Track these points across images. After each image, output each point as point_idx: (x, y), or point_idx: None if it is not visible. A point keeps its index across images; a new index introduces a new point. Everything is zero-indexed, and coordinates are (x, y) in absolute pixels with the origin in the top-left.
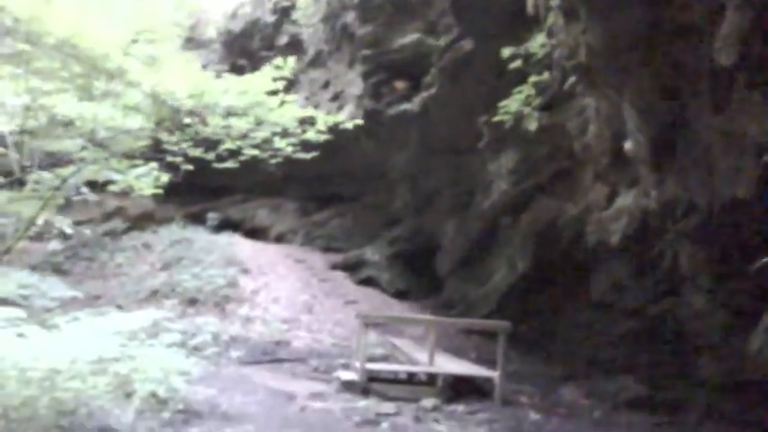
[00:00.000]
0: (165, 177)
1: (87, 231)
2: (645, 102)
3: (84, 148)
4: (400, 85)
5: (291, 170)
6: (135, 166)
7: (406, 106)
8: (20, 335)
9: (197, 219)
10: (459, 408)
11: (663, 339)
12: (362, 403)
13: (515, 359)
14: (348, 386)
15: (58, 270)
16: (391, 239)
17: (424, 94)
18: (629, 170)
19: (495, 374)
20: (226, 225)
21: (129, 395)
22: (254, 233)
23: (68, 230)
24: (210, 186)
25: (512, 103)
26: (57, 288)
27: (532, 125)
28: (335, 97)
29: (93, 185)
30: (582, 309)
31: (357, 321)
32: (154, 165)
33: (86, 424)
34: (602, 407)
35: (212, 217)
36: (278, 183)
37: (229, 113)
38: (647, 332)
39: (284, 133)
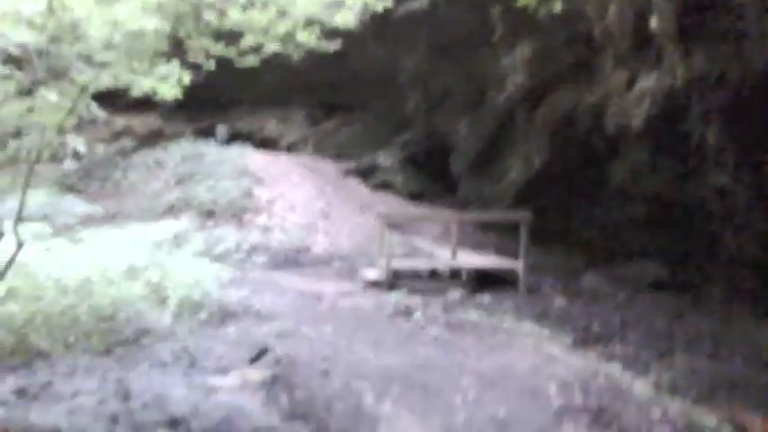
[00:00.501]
0: (187, 77)
1: (101, 149)
2: None
3: (106, 48)
4: None
5: (298, 79)
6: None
7: (414, 4)
8: (48, 249)
9: (206, 133)
10: (485, 298)
11: (683, 222)
12: (391, 298)
13: (534, 252)
14: (374, 284)
15: (73, 190)
16: (403, 143)
17: None
18: (650, 52)
19: (518, 265)
20: (235, 138)
21: (163, 300)
22: (265, 144)
23: (82, 149)
24: (218, 100)
25: None
26: (76, 205)
27: (557, 6)
28: None
29: (102, 99)
30: (600, 199)
31: (378, 221)
32: (175, 64)
33: (126, 328)
34: (625, 290)
35: (222, 130)
36: (285, 93)
37: (251, 3)
38: (667, 217)
39: (308, 22)
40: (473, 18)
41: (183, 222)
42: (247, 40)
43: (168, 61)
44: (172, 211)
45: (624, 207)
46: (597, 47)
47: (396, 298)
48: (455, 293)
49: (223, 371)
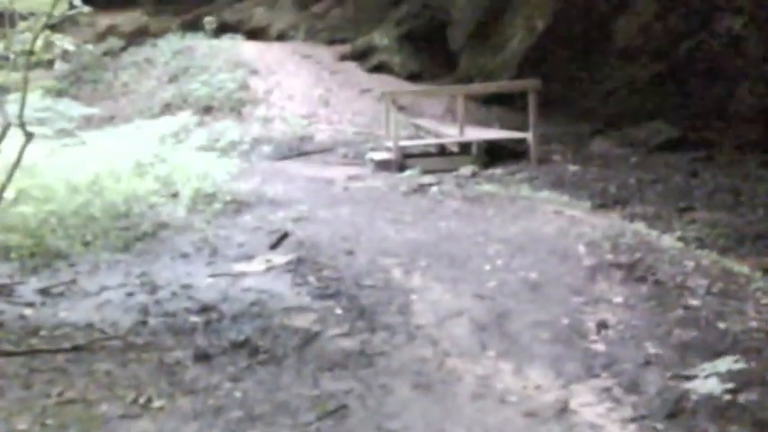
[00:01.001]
0: None
1: (90, 48)
2: None
3: None
4: None
5: None
6: None
7: None
8: (52, 150)
9: (193, 26)
10: (498, 171)
11: (692, 79)
12: (404, 177)
13: (540, 122)
14: (383, 165)
15: (65, 95)
16: (398, 20)
17: None
18: None
19: (527, 135)
20: (223, 29)
21: (174, 194)
22: (254, 34)
23: (71, 47)
24: None
25: None
26: (73, 108)
27: None
28: None
29: None
30: (606, 60)
31: (383, 100)
32: None
33: (142, 223)
34: (637, 152)
35: (209, 21)
36: None
37: None
38: (676, 74)
39: None
40: None
41: (183, 118)
42: None
43: None
44: (169, 108)
45: (630, 68)
46: None
47: (409, 176)
48: (467, 168)
49: (246, 257)
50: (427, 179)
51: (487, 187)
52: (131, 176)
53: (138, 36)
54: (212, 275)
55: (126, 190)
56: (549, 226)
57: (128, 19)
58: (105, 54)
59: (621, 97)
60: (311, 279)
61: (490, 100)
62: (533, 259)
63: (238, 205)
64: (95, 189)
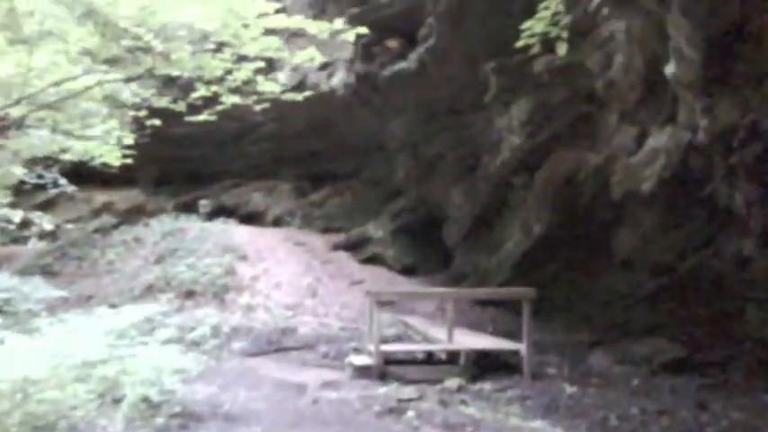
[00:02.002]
0: (129, 138)
1: (68, 227)
2: (703, 5)
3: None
4: (393, 43)
5: (283, 150)
6: (90, 126)
7: (401, 65)
8: None
9: (189, 208)
10: (486, 386)
11: (696, 295)
12: (381, 390)
13: (536, 328)
14: (362, 372)
15: (48, 272)
16: (394, 213)
17: (421, 49)
18: (663, 104)
19: (521, 347)
20: (220, 212)
21: (118, 401)
22: (250, 218)
23: (49, 226)
24: (201, 174)
25: (536, 24)
26: (40, 289)
27: (562, 49)
28: (324, 66)
29: (80, 176)
30: (605, 270)
31: (367, 300)
32: (114, 124)
33: None
34: (639, 373)
35: (204, 204)
36: (270, 164)
37: (196, 44)
38: (680, 290)
39: (269, 67)
40: (464, 77)
41: (156, 305)
42: (200, 92)
43: (104, 122)
44: (150, 291)
45: (632, 279)
46: (600, 102)
47: (386, 391)
48: (453, 381)
49: None
50: (407, 393)
51: (472, 410)
52: (73, 378)
53: (133, 215)
54: None
55: (59, 396)
56: None
57: (124, 197)
58: (96, 231)
59: (623, 308)
60: None
61: (485, 300)
62: None
63: (186, 419)
64: (20, 396)
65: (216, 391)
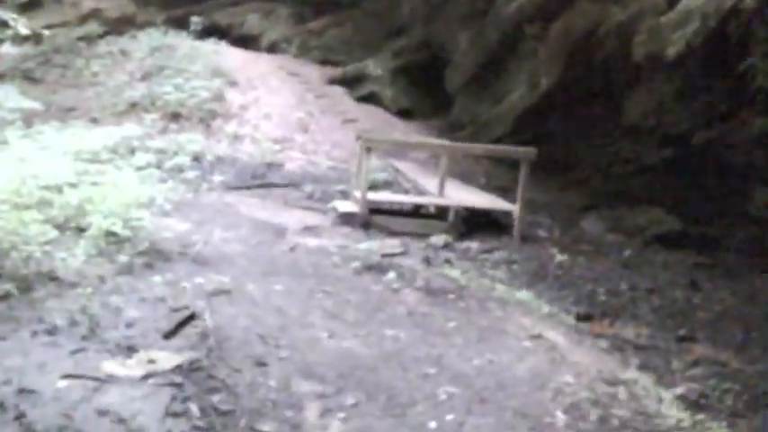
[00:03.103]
0: None
1: (52, 32)
2: None
3: None
4: None
5: None
6: None
7: None
8: None
9: (181, 23)
10: (473, 245)
11: (704, 171)
12: (363, 244)
13: (530, 186)
14: (346, 219)
15: (30, 78)
16: (396, 51)
17: None
18: None
19: (514, 208)
20: (212, 31)
21: (81, 231)
22: (244, 41)
23: (24, 30)
24: None
25: None
26: (12, 98)
27: None
28: None
29: None
30: (610, 133)
31: (358, 144)
32: None
33: (20, 269)
34: (632, 243)
35: (196, 21)
36: None
37: None
38: (686, 163)
39: None
40: None
41: (138, 126)
42: None
43: None
44: (134, 109)
45: (638, 147)
46: None
47: (368, 245)
48: (439, 238)
49: (127, 349)
50: (390, 246)
51: (456, 273)
52: (34, 203)
53: (121, 24)
54: (67, 376)
55: (15, 223)
56: (523, 364)
57: (113, 4)
58: (81, 39)
59: (621, 175)
60: (193, 408)
61: None
62: (495, 421)
63: (153, 258)
64: None
65: (189, 227)
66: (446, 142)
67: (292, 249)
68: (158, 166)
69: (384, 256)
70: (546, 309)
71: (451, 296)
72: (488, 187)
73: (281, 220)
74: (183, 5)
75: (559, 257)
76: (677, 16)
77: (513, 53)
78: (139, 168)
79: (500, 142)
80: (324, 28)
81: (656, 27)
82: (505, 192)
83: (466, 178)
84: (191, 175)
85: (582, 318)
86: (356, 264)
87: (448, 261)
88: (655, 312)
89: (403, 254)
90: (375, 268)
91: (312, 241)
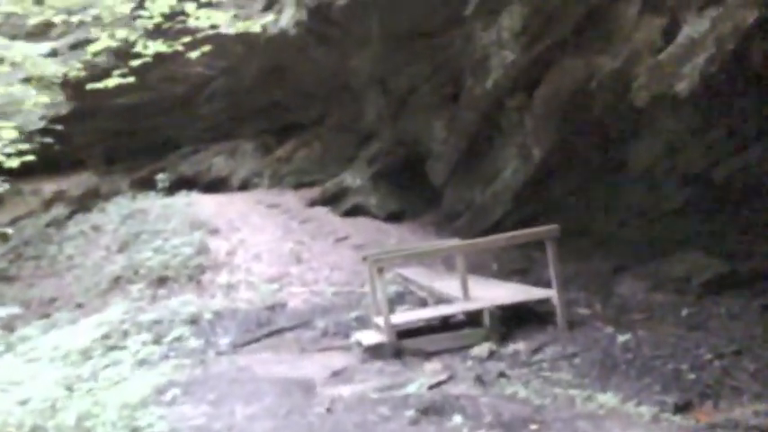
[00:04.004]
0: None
1: (9, 231)
2: None
3: None
4: None
5: (240, 107)
6: None
7: None
8: None
9: (147, 184)
10: (521, 346)
11: (734, 204)
12: (405, 380)
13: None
14: (374, 352)
15: (4, 277)
16: (370, 158)
17: None
18: None
19: (551, 293)
20: (181, 184)
21: None
22: (214, 186)
23: None
24: (155, 144)
25: None
26: None
27: None
28: (270, 5)
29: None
30: (621, 185)
31: (367, 266)
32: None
33: None
34: (685, 298)
35: (162, 178)
36: (228, 124)
37: None
38: (713, 199)
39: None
40: None
41: (124, 302)
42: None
43: None
44: (118, 283)
45: (655, 192)
46: None
47: (409, 377)
48: (482, 348)
49: None
50: (433, 374)
51: (521, 390)
52: None
53: (87, 200)
54: None
55: None
56: None
57: (75, 182)
58: (49, 225)
59: (645, 225)
60: None
61: (481, 234)
62: None
63: None
64: None
65: (206, 410)
66: (461, 241)
67: (329, 410)
68: (157, 342)
69: (431, 387)
70: (643, 410)
71: (534, 427)
72: (504, 273)
73: (303, 372)
74: (146, 166)
75: (620, 338)
76: (680, 49)
77: (497, 130)
78: (136, 353)
79: (501, 223)
80: (291, 152)
81: (658, 66)
82: (524, 274)
83: (478, 269)
84: (193, 344)
85: (681, 408)
86: (410, 412)
87: (503, 375)
88: (756, 379)
89: (451, 379)
90: (432, 411)
91: (346, 390)
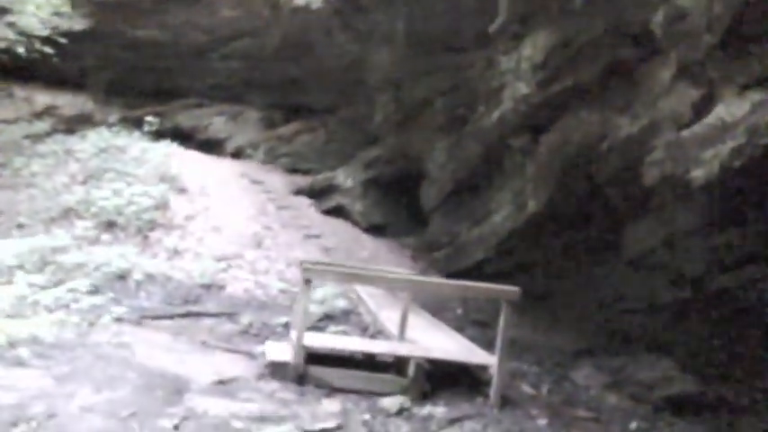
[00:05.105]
0: None
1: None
2: None
3: None
4: None
5: (255, 73)
6: None
7: None
8: None
9: (140, 124)
10: (438, 410)
11: (727, 317)
12: (287, 410)
13: (513, 323)
14: (276, 370)
15: None
16: (368, 162)
17: None
18: (748, 58)
19: (492, 361)
20: (175, 134)
21: None
22: (208, 146)
23: None
24: (161, 87)
25: None
26: None
27: None
28: None
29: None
30: (611, 266)
31: (299, 271)
32: None
33: None
34: (639, 408)
35: (151, 121)
36: (239, 87)
37: None
38: (702, 308)
39: None
40: (465, 7)
41: (65, 235)
42: None
43: None
44: (67, 215)
45: (644, 283)
46: (653, 46)
47: (294, 412)
48: (394, 401)
49: None
50: (323, 418)
51: None
52: None
53: (79, 123)
54: None
55: None
56: None
57: (71, 102)
58: (28, 137)
59: (622, 314)
60: None
61: (457, 273)
62: None
63: None
64: None
65: (44, 385)
66: (408, 276)
67: (176, 428)
68: (60, 283)
69: None
70: None
71: None
72: (465, 321)
73: (187, 370)
74: (145, 106)
75: (549, 429)
76: (707, 129)
77: (497, 168)
78: (31, 287)
79: (481, 268)
80: (294, 134)
81: (677, 143)
82: (485, 328)
83: (441, 310)
84: (97, 300)
85: None
86: None
87: None
88: None
89: (339, 429)
90: None
91: (216, 407)
